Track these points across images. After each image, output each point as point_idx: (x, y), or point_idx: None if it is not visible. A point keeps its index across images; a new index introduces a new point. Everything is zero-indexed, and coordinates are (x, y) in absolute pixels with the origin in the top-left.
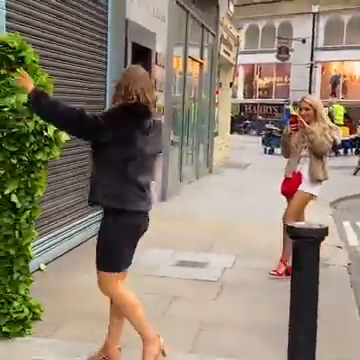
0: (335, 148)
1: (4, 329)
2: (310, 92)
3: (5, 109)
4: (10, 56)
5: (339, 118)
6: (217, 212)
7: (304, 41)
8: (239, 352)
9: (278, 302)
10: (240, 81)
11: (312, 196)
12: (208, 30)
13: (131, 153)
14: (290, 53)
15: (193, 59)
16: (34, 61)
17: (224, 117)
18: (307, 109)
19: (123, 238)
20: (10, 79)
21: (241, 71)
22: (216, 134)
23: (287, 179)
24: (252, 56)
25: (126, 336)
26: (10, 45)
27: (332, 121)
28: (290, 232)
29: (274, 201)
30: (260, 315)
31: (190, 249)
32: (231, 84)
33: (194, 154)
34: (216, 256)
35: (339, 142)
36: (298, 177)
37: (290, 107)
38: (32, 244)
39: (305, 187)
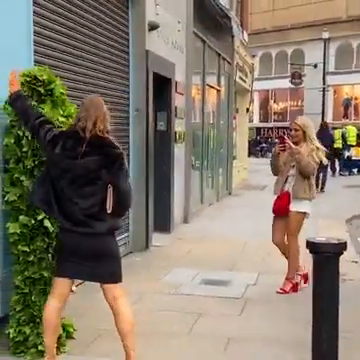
0: (349, 168)
1: (40, 348)
2: (323, 115)
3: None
4: (40, 88)
5: (352, 139)
6: (238, 232)
7: (316, 66)
8: None
9: (301, 316)
10: (256, 106)
11: (305, 214)
12: (224, 59)
13: (56, 172)
14: (303, 78)
15: (211, 86)
16: (62, 93)
17: (242, 141)
18: (296, 130)
19: (57, 245)
20: (40, 110)
21: (256, 97)
22: (234, 158)
23: (278, 198)
24: (266, 82)
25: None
26: (39, 78)
27: (345, 142)
28: (309, 247)
29: None
30: (284, 329)
31: (214, 268)
32: (247, 109)
33: (214, 177)
34: (239, 274)
35: (325, 163)
36: (286, 196)
37: (347, 127)
38: None
39: (295, 206)
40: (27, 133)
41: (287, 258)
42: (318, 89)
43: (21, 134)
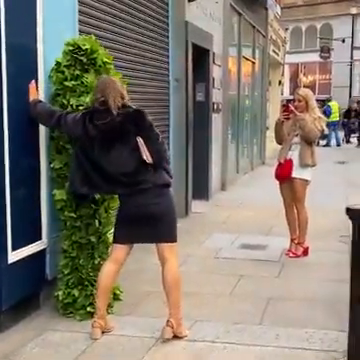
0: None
1: (88, 309)
2: (350, 88)
3: (80, 108)
4: (82, 58)
5: None
6: (272, 199)
7: (344, 41)
8: (304, 323)
9: (335, 277)
10: (286, 79)
11: (307, 181)
12: (259, 31)
13: (89, 144)
14: (331, 52)
15: (246, 59)
16: (106, 62)
17: (274, 113)
18: (300, 100)
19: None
20: (84, 79)
21: (287, 70)
22: (267, 128)
23: (279, 164)
24: (296, 55)
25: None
26: (82, 47)
27: None
28: (349, 214)
29: (320, 187)
30: (321, 290)
31: (251, 233)
32: (280, 82)
33: (249, 147)
34: (275, 239)
35: (327, 132)
36: (289, 163)
37: (330, 104)
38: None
39: (297, 173)
40: (72, 101)
41: (289, 224)
42: (346, 63)
43: (65, 102)
